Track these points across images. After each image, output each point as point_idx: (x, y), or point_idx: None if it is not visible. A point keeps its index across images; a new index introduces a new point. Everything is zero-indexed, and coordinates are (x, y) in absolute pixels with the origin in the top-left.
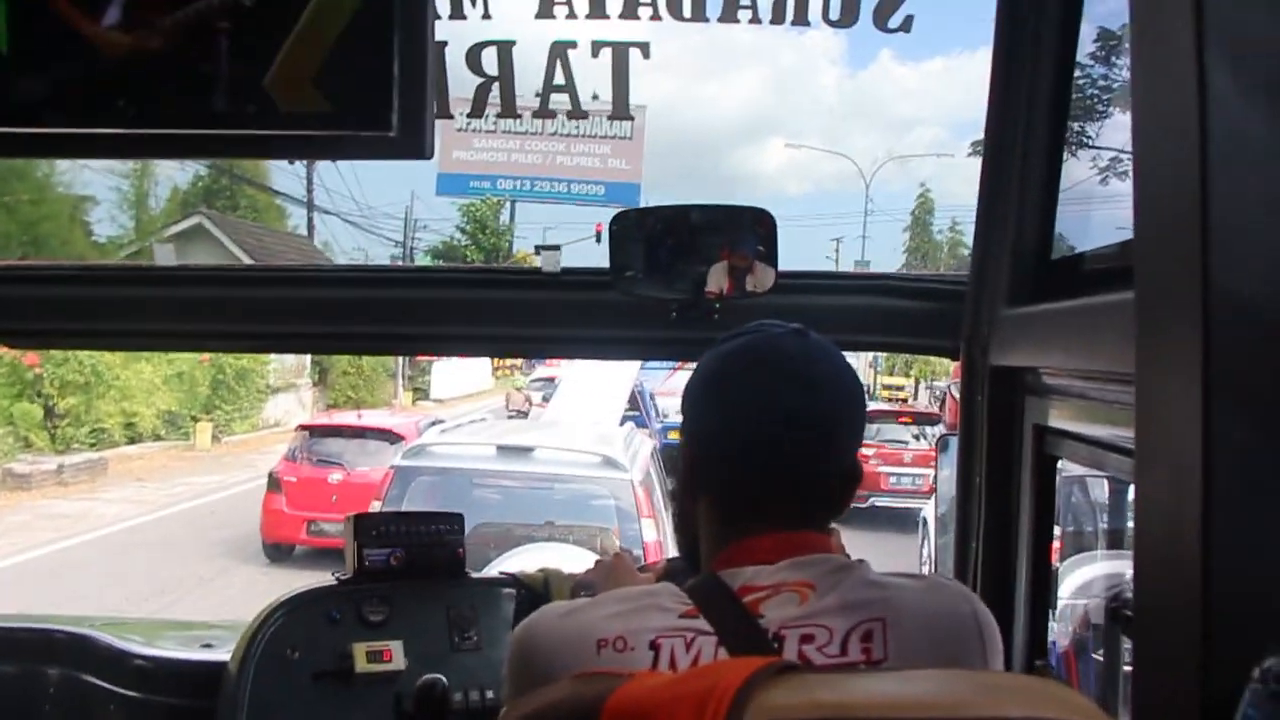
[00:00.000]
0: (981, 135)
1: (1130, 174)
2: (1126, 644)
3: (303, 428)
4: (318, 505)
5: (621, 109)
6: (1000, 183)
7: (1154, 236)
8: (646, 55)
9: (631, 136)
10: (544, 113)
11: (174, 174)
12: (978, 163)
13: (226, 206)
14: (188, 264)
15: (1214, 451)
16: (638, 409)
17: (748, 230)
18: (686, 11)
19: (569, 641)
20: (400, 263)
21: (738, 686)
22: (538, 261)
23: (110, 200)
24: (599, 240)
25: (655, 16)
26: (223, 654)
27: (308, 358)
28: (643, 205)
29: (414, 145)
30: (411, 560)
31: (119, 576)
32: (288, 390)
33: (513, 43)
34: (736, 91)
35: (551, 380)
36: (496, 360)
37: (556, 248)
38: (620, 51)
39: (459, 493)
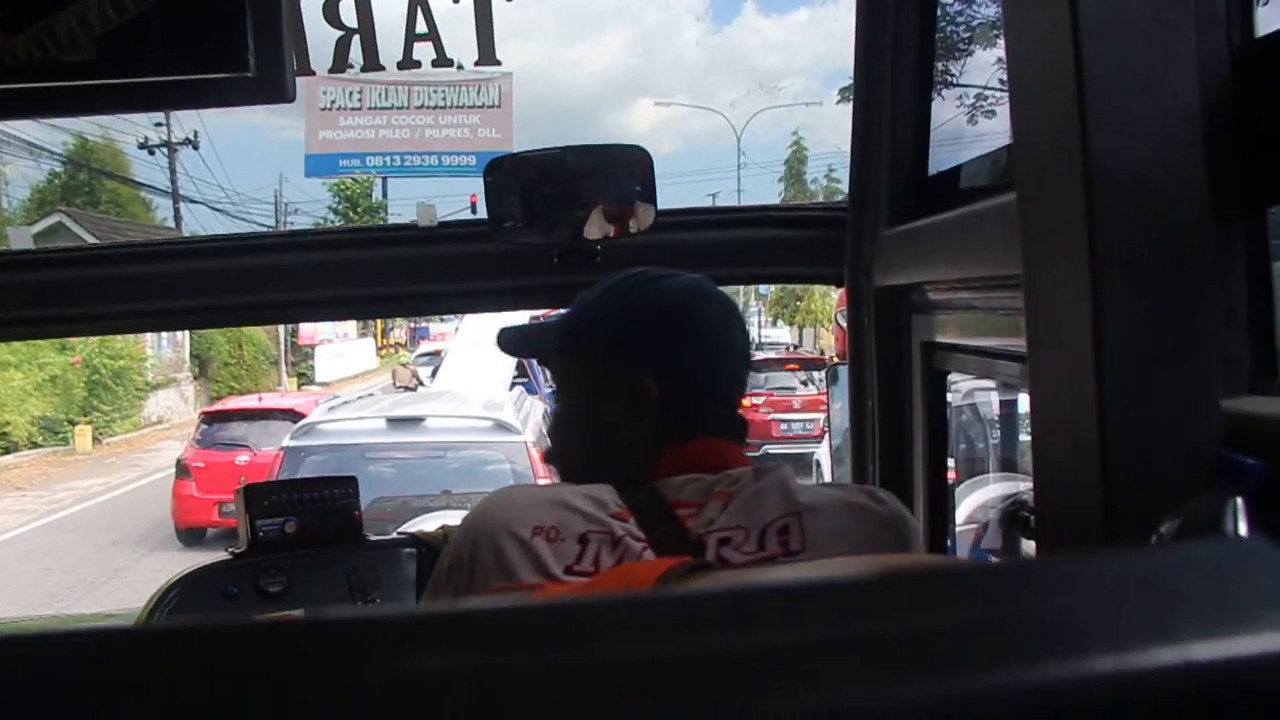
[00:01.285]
0: (847, 83)
1: (1005, 76)
2: (1026, 547)
3: (206, 414)
4: (227, 487)
5: (488, 55)
6: (873, 103)
7: (1030, 125)
8: None
9: (500, 104)
10: (408, 63)
11: (28, 172)
12: (845, 111)
13: (87, 203)
14: (47, 246)
15: (1104, 326)
16: (525, 375)
17: (624, 170)
18: None
19: (510, 519)
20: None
21: (653, 583)
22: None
23: None
24: (474, 211)
25: None
26: None
27: (186, 352)
28: None
29: (274, 87)
30: (306, 528)
31: (7, 587)
32: (168, 386)
33: None
34: (602, 54)
35: (437, 354)
36: (381, 340)
37: (431, 205)
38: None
39: (352, 469)
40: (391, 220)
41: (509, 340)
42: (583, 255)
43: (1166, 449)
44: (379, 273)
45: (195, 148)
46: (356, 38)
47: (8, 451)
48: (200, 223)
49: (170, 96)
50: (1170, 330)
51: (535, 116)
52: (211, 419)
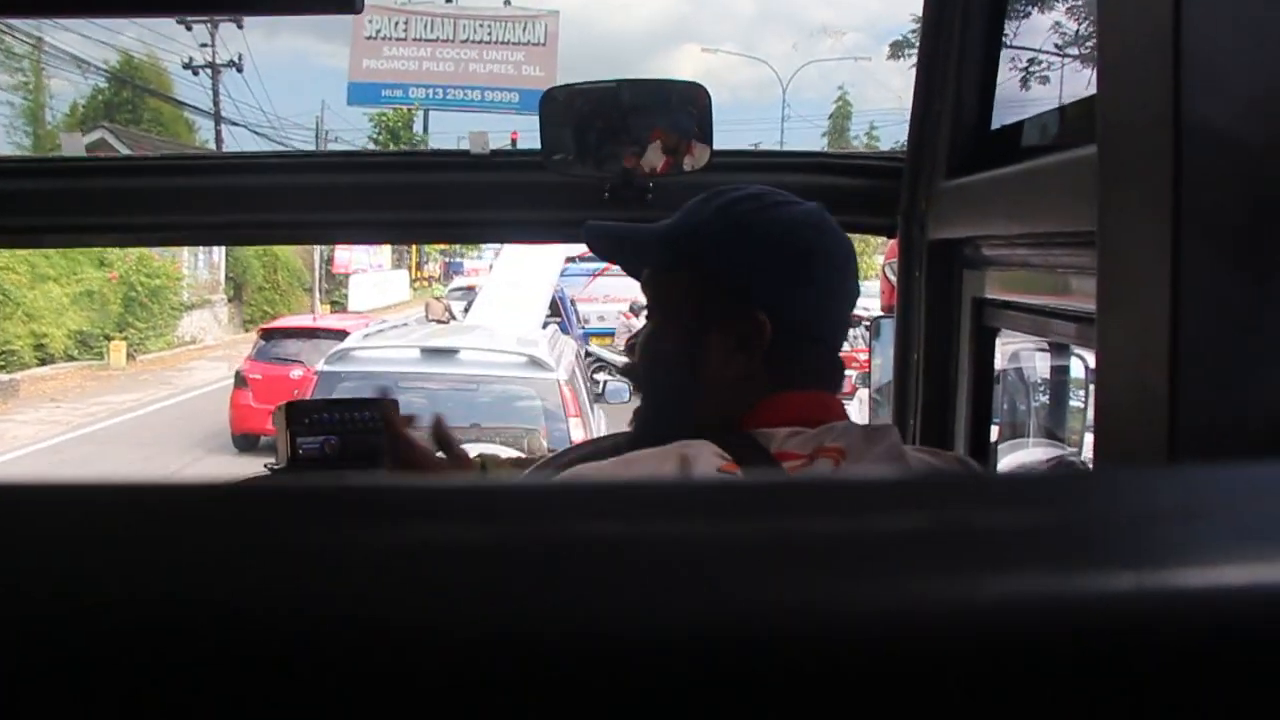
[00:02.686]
0: (899, 39)
1: (1070, 39)
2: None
3: (264, 330)
4: (281, 398)
5: None
6: (939, 53)
7: (1119, 78)
8: None
9: (545, 42)
10: None
11: (71, 88)
12: (894, 67)
13: (129, 120)
14: (96, 154)
15: (1183, 288)
16: (559, 315)
17: (680, 107)
18: None
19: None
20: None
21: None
22: None
23: (4, 116)
24: (515, 147)
25: None
26: None
27: (222, 274)
28: None
29: None
30: (346, 447)
31: None
32: (202, 307)
33: None
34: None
35: (471, 289)
36: (415, 272)
37: (484, 133)
38: None
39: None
40: None
41: (599, 237)
42: (634, 191)
43: (1241, 418)
44: (427, 198)
45: (239, 70)
46: None
47: (44, 363)
48: (241, 145)
49: (243, 2)
50: (1253, 296)
51: (580, 58)
52: (269, 335)
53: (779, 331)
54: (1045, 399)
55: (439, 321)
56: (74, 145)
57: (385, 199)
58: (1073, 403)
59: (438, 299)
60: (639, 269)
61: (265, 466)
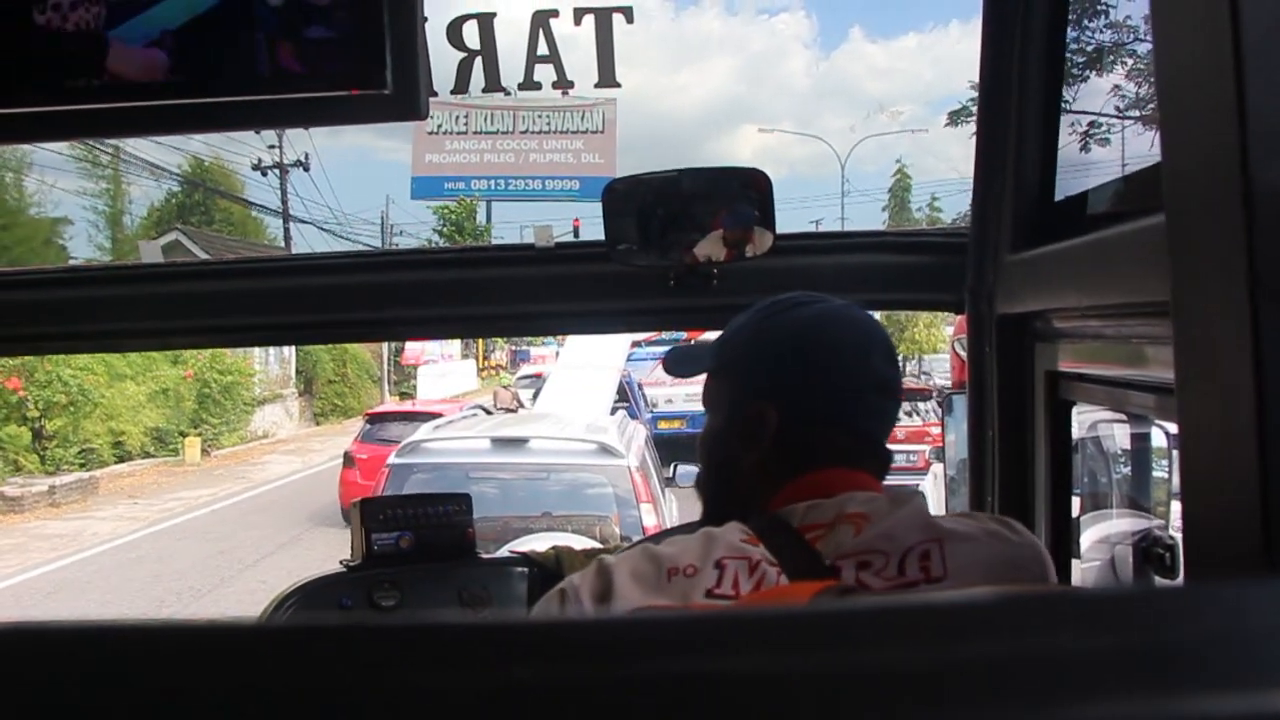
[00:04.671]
0: (956, 108)
1: (1129, 104)
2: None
3: (369, 415)
4: None
5: (608, 76)
6: (997, 127)
7: (1183, 144)
8: (630, 19)
9: (603, 130)
10: (529, 84)
11: (148, 191)
12: (952, 135)
13: (202, 221)
14: (174, 260)
15: (1265, 355)
16: (627, 400)
17: (741, 194)
18: None
19: (643, 570)
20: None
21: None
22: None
23: (85, 220)
24: (577, 236)
25: None
26: None
27: (292, 369)
28: None
29: (410, 104)
30: (420, 543)
31: (118, 591)
32: (274, 401)
33: (493, 15)
34: (707, 81)
35: (538, 377)
36: (482, 361)
37: (548, 227)
38: (603, 17)
39: (454, 488)
40: (495, 244)
41: (673, 359)
42: (699, 278)
43: None
44: (494, 292)
45: (306, 169)
46: (479, 60)
47: (121, 460)
48: (309, 242)
49: (309, 113)
50: None
51: (638, 142)
52: (373, 419)
53: (793, 420)
54: (1126, 469)
55: (508, 410)
56: (152, 252)
57: (453, 294)
58: (1156, 473)
59: (506, 388)
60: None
61: (341, 563)
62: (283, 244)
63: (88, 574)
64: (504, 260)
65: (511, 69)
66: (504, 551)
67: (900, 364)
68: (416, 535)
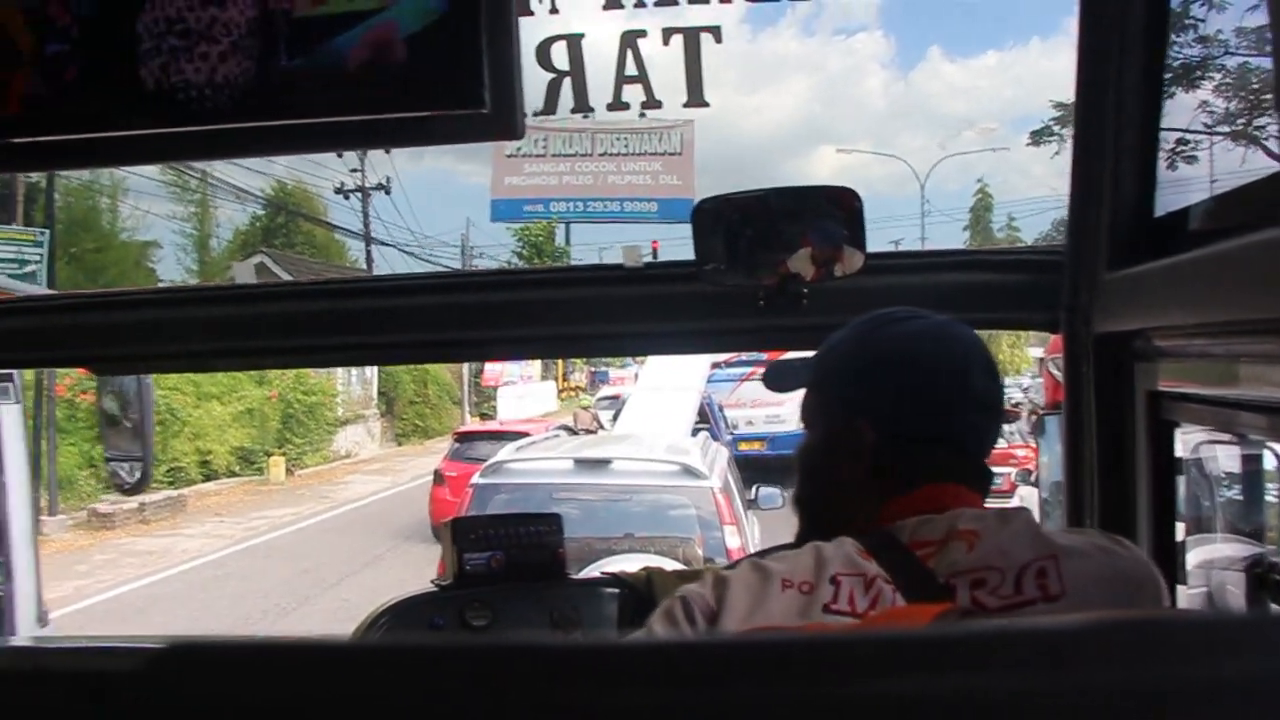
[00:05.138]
0: (1038, 126)
1: (1231, 117)
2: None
3: (457, 434)
4: None
5: (696, 95)
6: (1094, 143)
7: None
8: (719, 39)
9: (681, 151)
10: (617, 104)
11: (234, 215)
12: (1035, 154)
13: (284, 244)
14: (264, 281)
15: None
16: (707, 421)
17: (830, 213)
18: None
19: (756, 584)
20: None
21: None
22: None
23: (174, 244)
24: (655, 257)
25: None
26: None
27: (374, 389)
28: None
29: (508, 123)
30: (511, 563)
31: (207, 608)
32: (356, 422)
33: (582, 35)
34: (784, 102)
35: (617, 398)
36: (562, 382)
37: (637, 247)
38: (691, 37)
39: (537, 508)
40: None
41: (772, 373)
42: (788, 298)
43: None
44: (582, 312)
45: (387, 192)
46: (567, 80)
47: (208, 479)
48: (390, 264)
49: (409, 133)
50: None
51: (715, 163)
52: (461, 438)
53: (890, 437)
54: (1232, 492)
55: (587, 431)
56: (245, 273)
57: (539, 314)
58: (1268, 497)
59: (585, 409)
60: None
61: (433, 583)
62: (364, 266)
63: (177, 590)
64: (592, 280)
65: (597, 90)
66: (590, 572)
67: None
68: (508, 555)
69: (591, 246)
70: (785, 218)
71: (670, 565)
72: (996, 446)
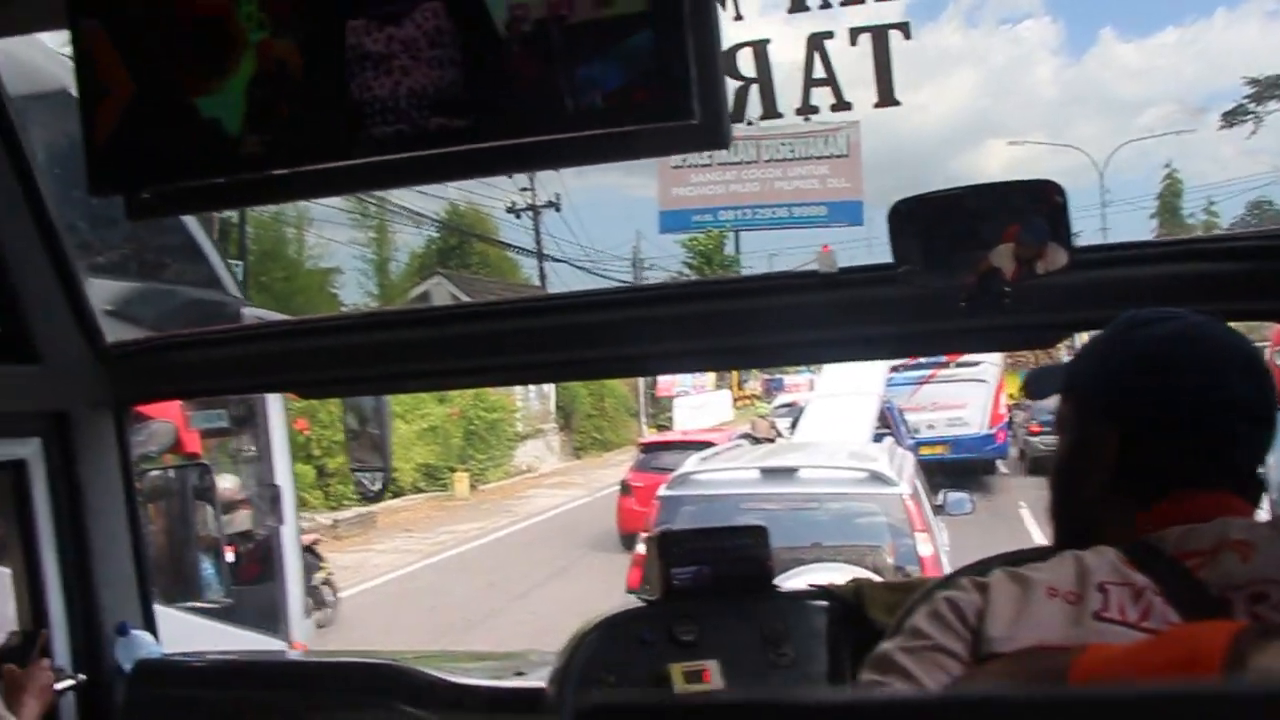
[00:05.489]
0: (1228, 105)
1: None
2: None
3: (642, 444)
4: None
5: (887, 95)
6: None
7: None
8: (907, 35)
9: (848, 154)
10: (805, 109)
11: (410, 238)
12: (1224, 135)
13: (459, 264)
14: (450, 304)
15: None
16: (888, 426)
17: (1030, 208)
18: None
19: (1016, 591)
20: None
21: (1224, 651)
22: None
23: (355, 269)
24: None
25: None
26: (536, 681)
27: (552, 404)
28: (866, 222)
29: (716, 133)
30: (718, 577)
31: (400, 621)
32: (535, 437)
33: (767, 41)
34: (950, 96)
35: (794, 406)
36: (737, 391)
37: (831, 253)
38: (880, 35)
39: (723, 518)
40: (744, 274)
41: (1031, 380)
42: (990, 297)
43: None
44: (784, 320)
45: (557, 209)
46: (754, 87)
47: (396, 495)
48: (563, 279)
49: (619, 147)
50: None
51: (882, 163)
52: (647, 449)
53: (1141, 443)
54: None
55: (765, 440)
56: (441, 295)
57: (731, 324)
58: None
59: (763, 417)
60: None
61: (639, 598)
62: (538, 283)
63: (372, 602)
64: (784, 288)
65: (784, 95)
66: (780, 582)
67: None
68: (714, 568)
69: (761, 254)
70: (984, 216)
71: (861, 573)
72: None
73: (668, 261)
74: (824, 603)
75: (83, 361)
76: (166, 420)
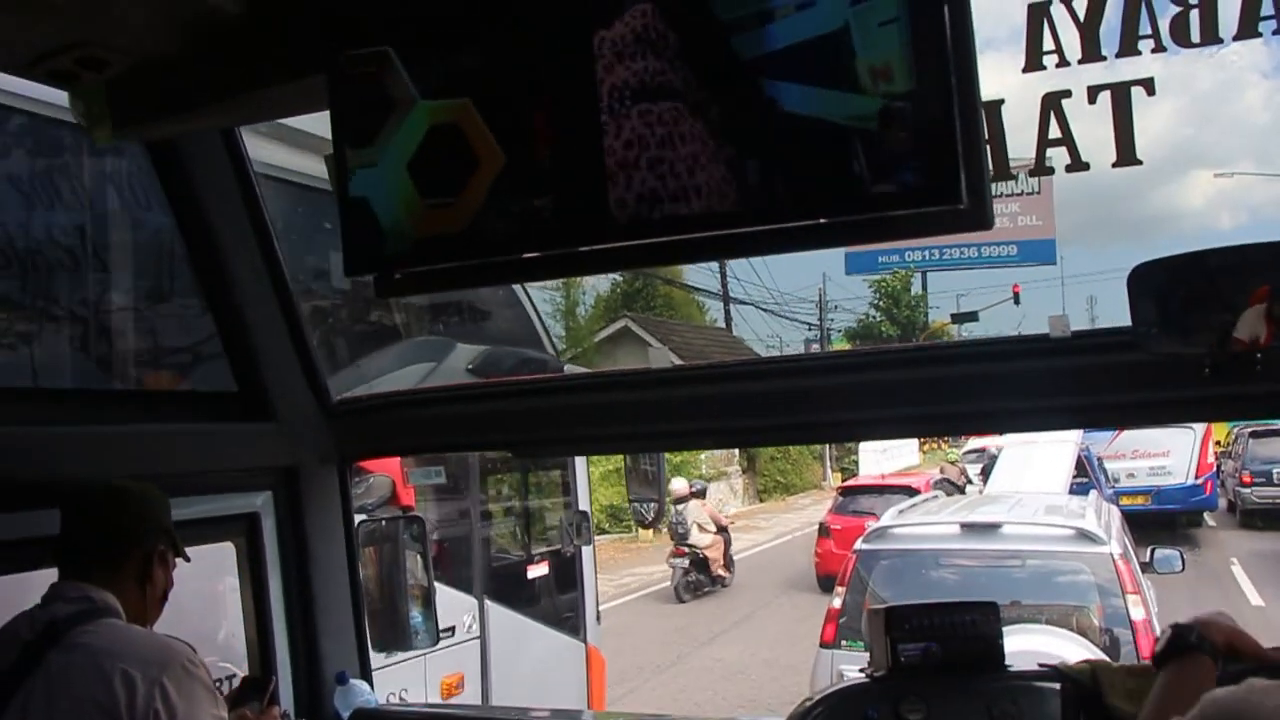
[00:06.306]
0: None
1: None
2: None
3: (841, 488)
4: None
5: (1128, 154)
6: None
7: None
8: (1151, 91)
9: (1039, 192)
10: (1040, 169)
11: (596, 282)
12: None
13: (644, 307)
14: (675, 365)
15: None
16: (1085, 475)
17: (1277, 266)
18: (1195, 36)
19: None
20: (910, 341)
21: None
22: (954, 332)
23: (545, 313)
24: (1017, 302)
25: (1158, 48)
26: None
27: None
28: (1059, 260)
29: (980, 214)
30: (948, 654)
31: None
32: (719, 479)
33: (1001, 101)
34: (1148, 127)
35: (983, 451)
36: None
37: (974, 316)
38: (1121, 92)
39: (917, 574)
40: (931, 315)
41: None
42: (1240, 364)
43: None
44: (1010, 387)
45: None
46: (987, 146)
47: None
48: (748, 323)
49: (884, 230)
50: None
51: (1075, 200)
52: (845, 492)
53: None
54: None
55: (953, 484)
56: (660, 359)
57: (950, 391)
58: None
59: (952, 463)
60: None
61: (862, 672)
62: (723, 325)
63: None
64: (1011, 354)
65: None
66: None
67: None
68: (943, 645)
69: (947, 294)
70: (1226, 276)
71: (1066, 635)
72: None
73: (854, 303)
74: (1057, 685)
75: (312, 419)
76: (384, 474)
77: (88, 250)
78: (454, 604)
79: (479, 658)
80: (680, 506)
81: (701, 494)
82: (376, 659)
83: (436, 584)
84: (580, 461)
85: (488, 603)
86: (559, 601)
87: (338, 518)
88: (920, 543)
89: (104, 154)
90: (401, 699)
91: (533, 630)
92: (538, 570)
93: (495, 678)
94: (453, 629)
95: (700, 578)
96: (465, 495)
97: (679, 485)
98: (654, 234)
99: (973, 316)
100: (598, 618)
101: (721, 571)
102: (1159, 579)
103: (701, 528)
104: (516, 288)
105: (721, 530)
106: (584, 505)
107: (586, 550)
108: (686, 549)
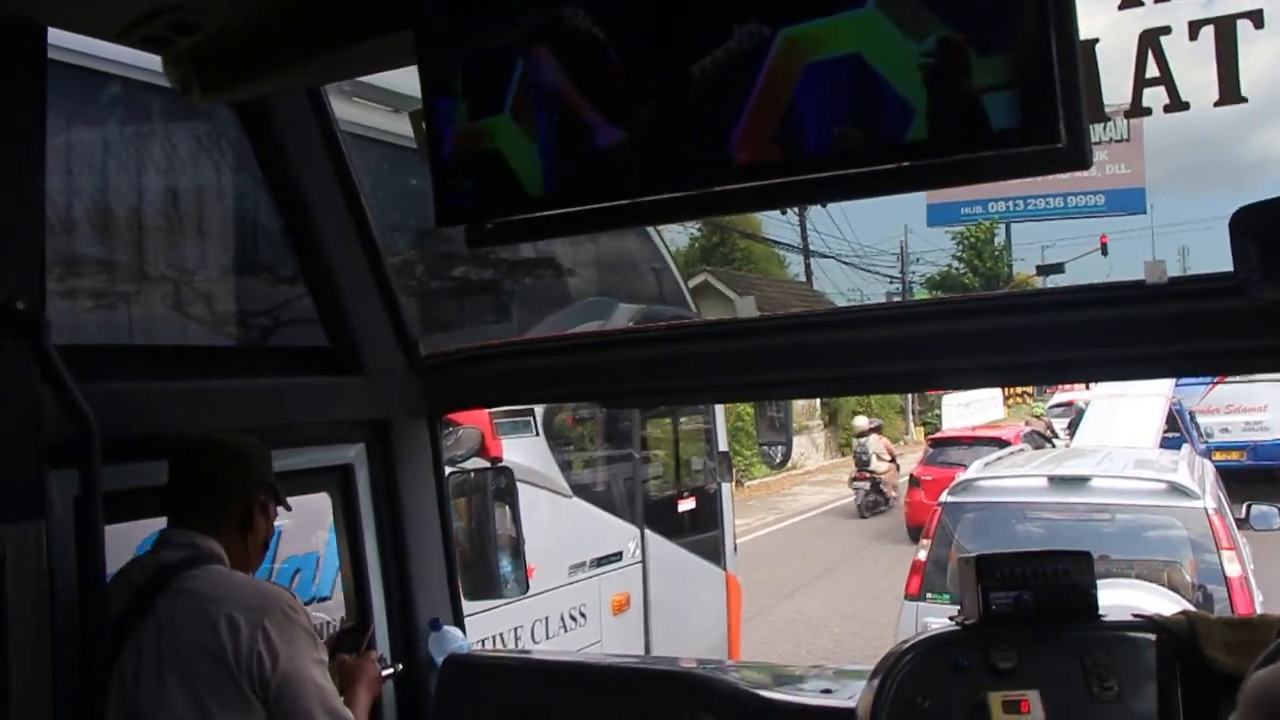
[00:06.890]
0: None
1: None
2: None
3: (931, 439)
4: None
5: (1232, 92)
6: None
7: None
8: (1259, 24)
9: (1129, 138)
10: (1137, 110)
11: (674, 237)
12: None
13: (722, 261)
14: (760, 315)
15: None
16: (1176, 429)
17: None
18: None
19: None
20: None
21: None
22: (1038, 282)
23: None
24: (1105, 253)
25: None
26: (844, 700)
27: (818, 400)
28: (1149, 209)
29: (1079, 154)
30: (1040, 603)
31: None
32: (800, 433)
33: (1096, 40)
34: (1248, 66)
35: (1070, 405)
36: (1007, 389)
37: (1060, 268)
38: (1225, 25)
39: (1002, 526)
40: (1016, 266)
41: None
42: None
43: None
44: (1095, 334)
45: (823, 204)
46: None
47: None
48: (829, 276)
49: (989, 169)
50: None
51: (1167, 146)
52: (936, 443)
53: None
54: None
55: (1043, 435)
56: (747, 308)
57: (1037, 339)
58: None
59: (1038, 416)
60: None
61: (952, 620)
62: (804, 279)
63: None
64: (1106, 300)
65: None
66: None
67: None
68: (1036, 594)
69: (1032, 245)
70: None
71: (1158, 590)
72: None
73: (936, 255)
74: (1152, 635)
75: (401, 374)
76: (473, 426)
77: (184, 213)
78: (620, 533)
79: (641, 580)
80: (863, 440)
81: (879, 429)
82: (556, 576)
83: (604, 514)
84: (719, 410)
85: (647, 532)
86: (703, 533)
87: (429, 469)
88: (1007, 495)
89: (194, 119)
90: (583, 615)
91: (683, 557)
92: (686, 504)
93: (653, 598)
94: (620, 554)
95: (877, 498)
96: (629, 440)
97: (861, 421)
98: (761, 177)
99: (1059, 268)
100: (734, 549)
101: (892, 493)
102: (1255, 536)
103: (878, 457)
104: (664, 252)
105: (892, 460)
106: (723, 448)
107: (725, 488)
108: (868, 474)
